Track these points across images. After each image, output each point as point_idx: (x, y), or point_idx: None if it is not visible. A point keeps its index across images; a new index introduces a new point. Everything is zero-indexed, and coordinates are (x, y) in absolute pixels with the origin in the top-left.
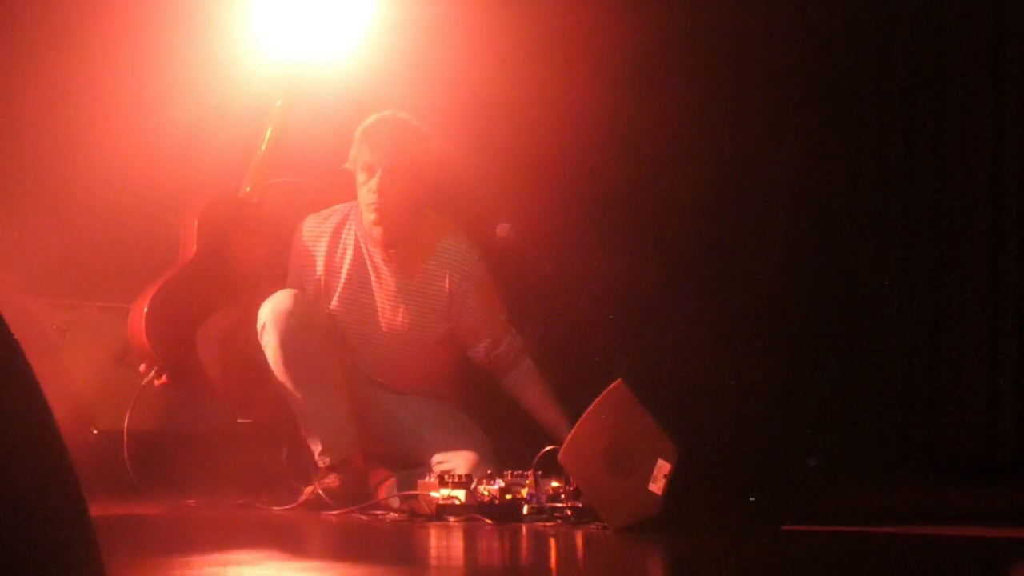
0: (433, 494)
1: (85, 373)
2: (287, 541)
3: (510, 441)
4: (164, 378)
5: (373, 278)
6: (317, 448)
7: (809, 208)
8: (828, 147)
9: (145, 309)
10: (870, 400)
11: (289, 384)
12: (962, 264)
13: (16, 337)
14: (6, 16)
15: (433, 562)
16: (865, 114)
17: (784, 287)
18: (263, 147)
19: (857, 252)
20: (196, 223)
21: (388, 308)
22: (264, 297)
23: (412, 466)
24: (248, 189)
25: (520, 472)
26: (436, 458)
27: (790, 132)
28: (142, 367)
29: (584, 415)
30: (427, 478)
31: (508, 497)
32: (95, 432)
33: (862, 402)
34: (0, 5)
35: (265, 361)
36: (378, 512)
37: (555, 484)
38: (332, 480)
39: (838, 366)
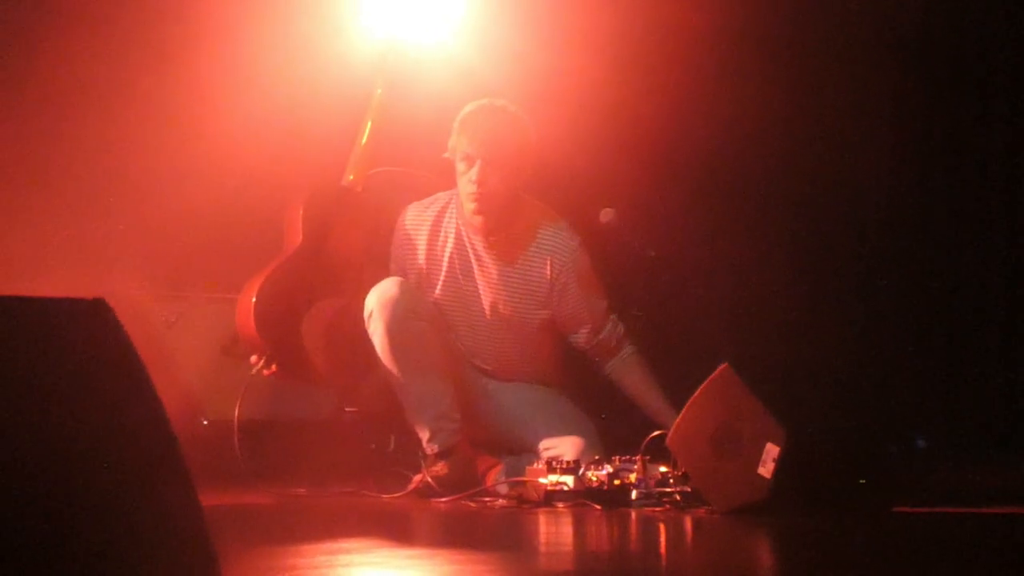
0: (541, 480)
1: (194, 364)
2: (395, 529)
3: (616, 426)
4: (273, 368)
5: (475, 265)
6: (425, 435)
7: (909, 196)
8: (926, 140)
9: (253, 300)
10: (974, 382)
11: (396, 372)
12: None
13: (126, 331)
14: (108, 14)
15: (542, 548)
16: (958, 109)
17: (886, 272)
18: (364, 137)
19: (959, 239)
20: (300, 213)
21: (490, 295)
22: (368, 285)
23: (519, 452)
24: (351, 178)
25: (628, 457)
26: (543, 444)
27: (888, 123)
28: (252, 358)
29: (691, 400)
30: (535, 464)
31: (616, 482)
32: (205, 423)
33: (966, 384)
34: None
35: (372, 349)
36: (486, 499)
37: (663, 469)
38: (440, 468)
39: (941, 348)
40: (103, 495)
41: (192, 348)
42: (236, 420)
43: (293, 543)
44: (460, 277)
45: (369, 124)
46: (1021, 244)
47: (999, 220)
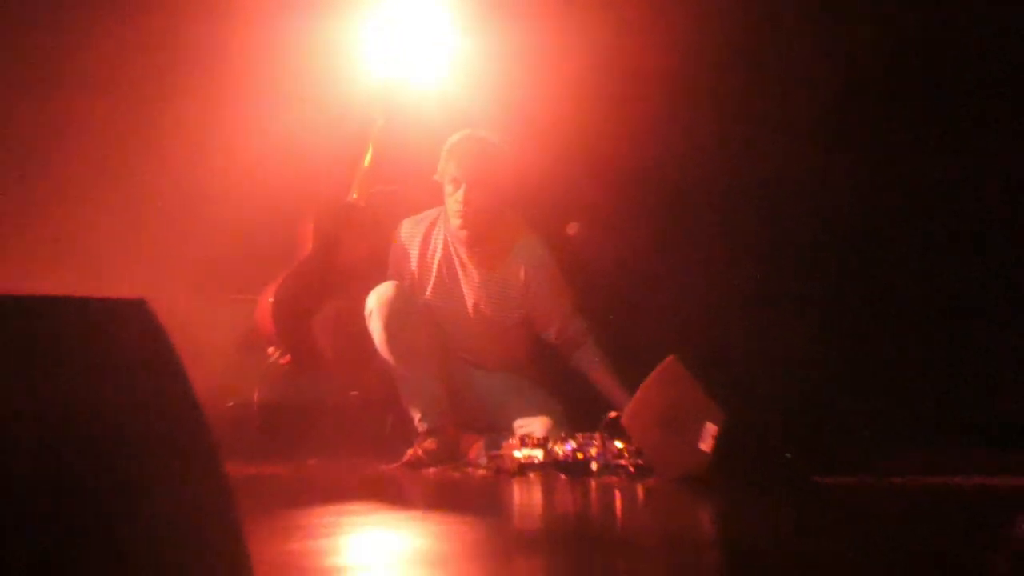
0: (515, 453)
1: (220, 355)
2: (392, 494)
3: (579, 408)
4: (287, 358)
5: (460, 272)
6: (416, 416)
7: (845, 193)
8: (864, 141)
9: (271, 300)
10: (916, 371)
11: (392, 361)
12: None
13: (165, 329)
14: (150, 50)
15: (516, 512)
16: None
17: (822, 268)
18: (367, 160)
19: (901, 236)
20: (311, 226)
21: (473, 297)
22: (369, 288)
23: (496, 430)
24: (355, 196)
25: (589, 434)
26: (517, 423)
27: (827, 131)
28: (270, 349)
29: (643, 385)
30: (510, 440)
31: (579, 456)
32: (230, 405)
33: (894, 374)
34: (142, 41)
35: (372, 342)
36: (468, 469)
37: (619, 444)
38: (429, 443)
39: (873, 339)
40: (143, 476)
41: (219, 341)
42: (256, 402)
43: (305, 506)
44: (447, 282)
45: (371, 150)
46: (964, 236)
47: (942, 216)
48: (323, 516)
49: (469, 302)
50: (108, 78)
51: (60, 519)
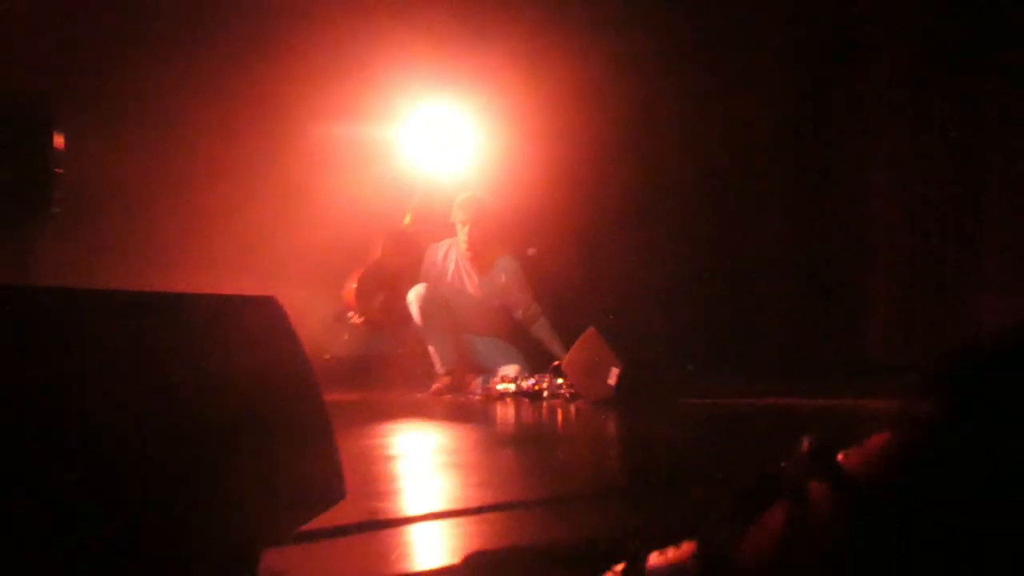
0: (498, 386)
1: (320, 326)
2: (425, 410)
3: (535, 359)
4: (361, 320)
5: (464, 276)
6: (437, 363)
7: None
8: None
9: (354, 285)
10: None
11: (423, 331)
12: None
13: (287, 315)
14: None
15: (498, 419)
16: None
17: (700, 267)
18: (407, 219)
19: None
20: (380, 242)
21: (472, 291)
22: (409, 285)
23: (486, 372)
24: (407, 221)
25: (541, 374)
26: (500, 369)
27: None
28: (351, 315)
29: (574, 345)
30: (494, 378)
31: (536, 387)
32: (326, 357)
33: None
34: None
35: (411, 318)
36: (470, 396)
37: (559, 380)
38: (446, 380)
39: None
40: (277, 416)
41: (318, 316)
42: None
43: (371, 422)
44: (456, 282)
45: (413, 204)
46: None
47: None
48: (382, 425)
49: (470, 295)
50: (256, 134)
51: (212, 450)
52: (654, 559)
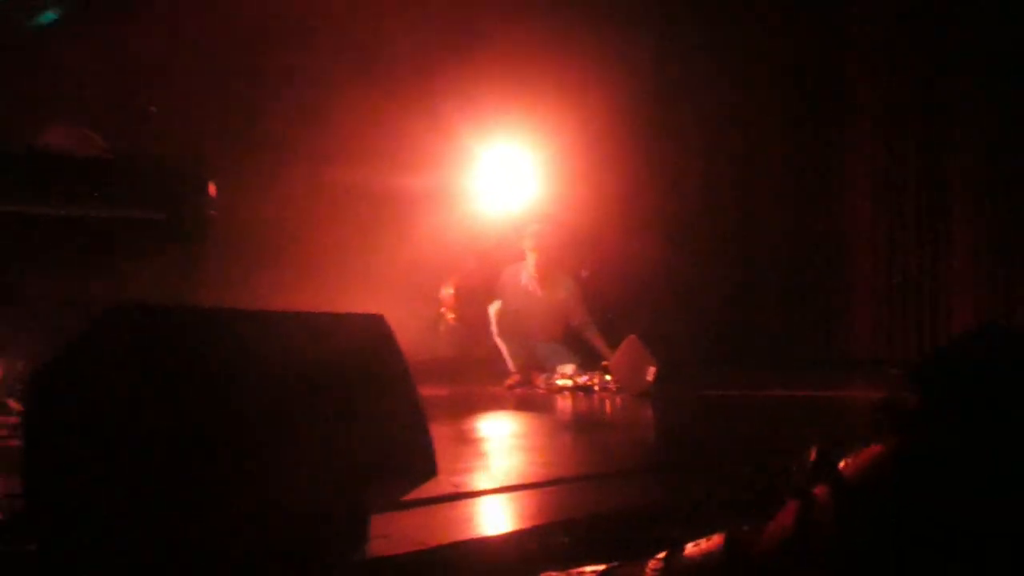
0: (558, 381)
1: (418, 333)
2: (499, 401)
3: (587, 360)
4: (454, 319)
5: (532, 293)
6: (510, 362)
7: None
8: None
9: (451, 290)
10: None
11: (499, 336)
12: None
13: (394, 335)
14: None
15: (558, 408)
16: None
17: (718, 290)
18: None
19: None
20: (473, 258)
21: (538, 306)
22: (488, 299)
23: (549, 370)
24: (492, 247)
25: (592, 372)
26: (558, 367)
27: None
28: (448, 314)
29: (619, 348)
30: (554, 375)
31: (588, 382)
32: (423, 358)
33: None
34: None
35: (490, 326)
36: (536, 389)
37: (607, 377)
38: (516, 376)
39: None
40: (385, 408)
41: (416, 325)
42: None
43: (455, 411)
44: (525, 299)
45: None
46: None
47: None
48: (465, 414)
49: (536, 308)
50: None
51: (333, 437)
52: (690, 549)
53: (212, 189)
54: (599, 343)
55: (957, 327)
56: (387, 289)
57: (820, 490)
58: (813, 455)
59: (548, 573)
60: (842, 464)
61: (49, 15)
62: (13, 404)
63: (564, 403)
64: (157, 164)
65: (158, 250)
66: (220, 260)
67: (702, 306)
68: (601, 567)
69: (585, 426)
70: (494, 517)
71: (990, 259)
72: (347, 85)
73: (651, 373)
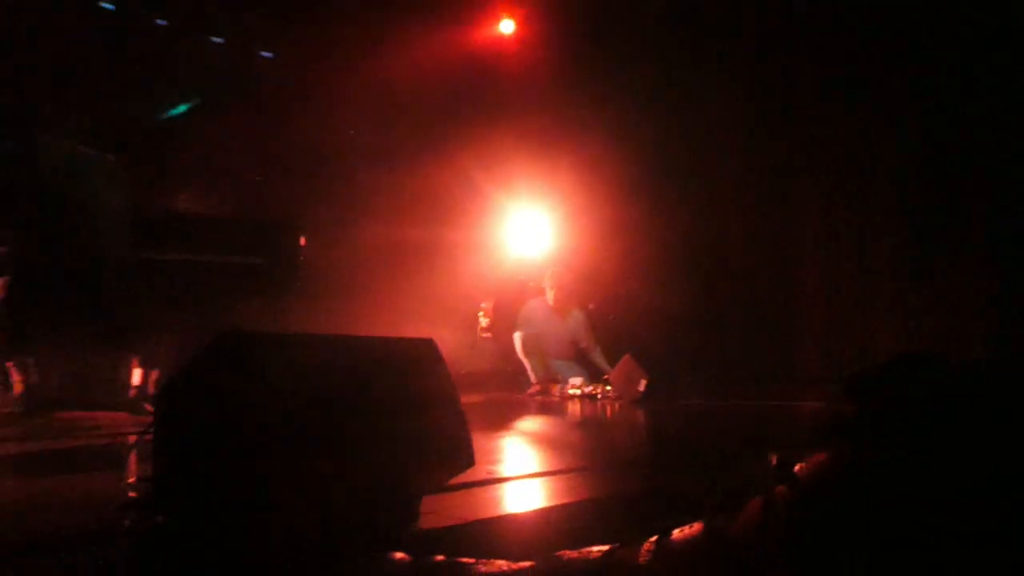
0: (570, 391)
1: (460, 352)
2: (523, 406)
3: (592, 374)
4: (490, 335)
5: (552, 321)
6: (532, 376)
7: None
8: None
9: (489, 305)
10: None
11: (523, 355)
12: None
13: (442, 354)
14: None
15: (569, 411)
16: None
17: (693, 318)
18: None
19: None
20: (502, 296)
21: (555, 331)
22: (516, 326)
23: (562, 382)
24: (526, 280)
25: (596, 384)
26: (571, 379)
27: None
28: (485, 331)
29: (617, 364)
30: (567, 385)
31: (593, 392)
32: (464, 372)
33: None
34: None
35: (515, 347)
36: (552, 397)
37: (607, 387)
38: (537, 387)
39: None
40: (427, 421)
41: (457, 345)
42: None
43: (489, 413)
44: (545, 326)
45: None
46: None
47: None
48: (497, 415)
49: (553, 333)
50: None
51: (393, 436)
52: (676, 534)
53: (302, 241)
54: (601, 361)
55: (885, 345)
56: (435, 317)
57: (780, 489)
58: (775, 460)
59: (563, 552)
60: (797, 468)
61: (181, 107)
62: (148, 407)
63: (574, 408)
64: (259, 221)
65: (259, 288)
66: (305, 296)
67: (681, 331)
68: (605, 547)
69: (590, 426)
70: (521, 498)
71: (912, 285)
72: (405, 159)
73: (642, 385)
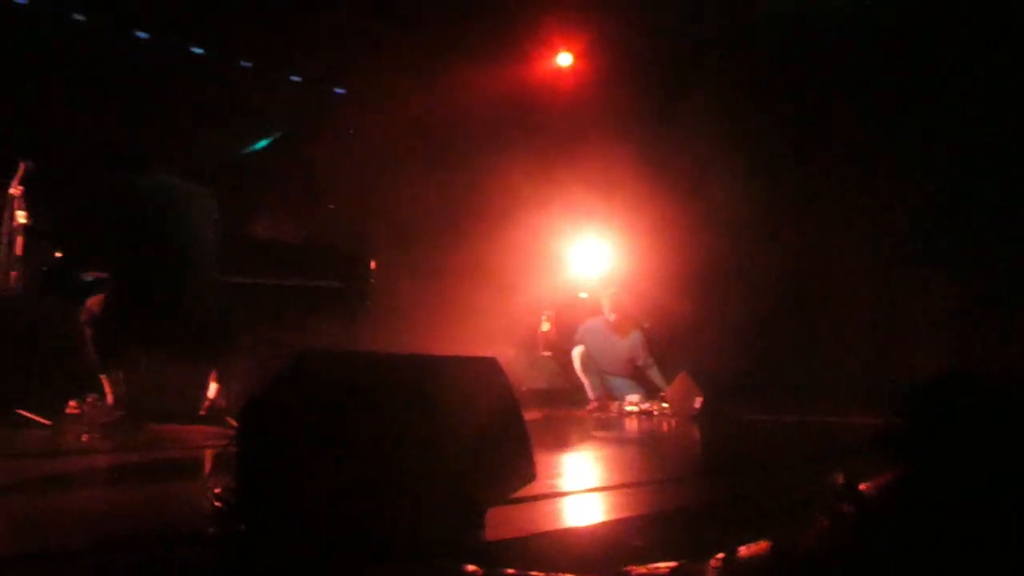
0: (627, 408)
1: (521, 370)
2: (582, 422)
3: (649, 391)
4: (550, 354)
5: (610, 339)
6: (590, 392)
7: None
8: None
9: (551, 322)
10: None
11: (582, 372)
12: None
13: (505, 371)
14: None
15: (627, 428)
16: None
17: (745, 337)
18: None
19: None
20: (586, 299)
21: (612, 349)
22: (573, 343)
23: (620, 399)
24: (582, 295)
25: (653, 401)
26: (628, 396)
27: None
28: (545, 350)
29: (673, 382)
30: (625, 402)
31: (650, 409)
32: (525, 389)
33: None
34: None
35: (574, 364)
36: (610, 413)
37: (665, 405)
38: (595, 404)
39: (780, 360)
40: (492, 437)
41: (522, 363)
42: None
43: (549, 430)
44: (603, 343)
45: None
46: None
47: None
48: (557, 432)
49: (611, 351)
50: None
51: (461, 452)
52: (743, 551)
53: (373, 265)
54: (658, 378)
55: (935, 361)
56: (499, 338)
57: (846, 508)
58: (840, 479)
59: (631, 567)
60: (862, 486)
61: (262, 142)
62: (231, 421)
63: (631, 424)
64: (334, 247)
65: (335, 310)
66: (375, 316)
67: (735, 349)
68: (672, 564)
69: (647, 442)
70: (582, 512)
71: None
72: (469, 186)
73: (698, 402)
